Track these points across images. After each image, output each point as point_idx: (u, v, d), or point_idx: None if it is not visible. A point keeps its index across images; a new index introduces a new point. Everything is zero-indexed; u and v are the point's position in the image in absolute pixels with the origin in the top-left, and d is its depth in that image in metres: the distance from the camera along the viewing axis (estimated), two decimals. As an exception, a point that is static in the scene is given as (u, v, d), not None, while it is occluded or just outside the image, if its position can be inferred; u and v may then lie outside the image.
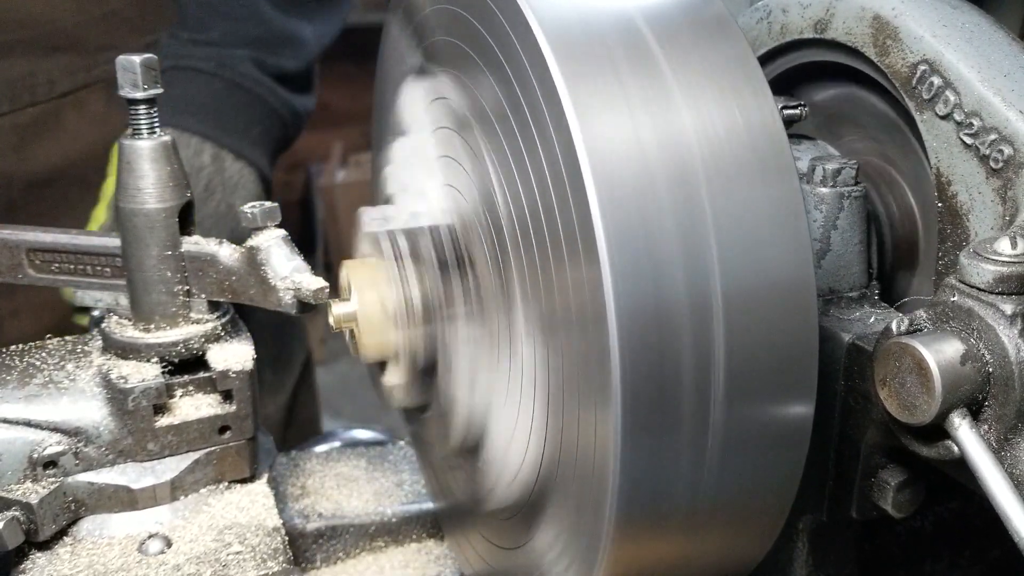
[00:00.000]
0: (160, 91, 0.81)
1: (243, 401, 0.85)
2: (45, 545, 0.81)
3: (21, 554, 0.80)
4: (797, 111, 0.81)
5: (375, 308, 0.78)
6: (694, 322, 0.58)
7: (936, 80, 0.73)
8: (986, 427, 0.62)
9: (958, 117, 0.72)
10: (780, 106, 0.78)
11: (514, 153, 0.66)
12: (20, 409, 0.82)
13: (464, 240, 0.76)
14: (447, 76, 0.77)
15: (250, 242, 0.82)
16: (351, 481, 1.03)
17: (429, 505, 1.02)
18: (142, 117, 0.81)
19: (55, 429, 0.81)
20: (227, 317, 0.87)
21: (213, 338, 0.85)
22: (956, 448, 0.62)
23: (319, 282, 0.79)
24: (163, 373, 0.83)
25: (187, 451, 0.84)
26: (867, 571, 0.86)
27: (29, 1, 1.35)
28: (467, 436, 0.78)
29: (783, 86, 0.91)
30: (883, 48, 0.77)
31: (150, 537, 0.82)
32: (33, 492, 0.80)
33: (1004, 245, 0.62)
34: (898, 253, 0.85)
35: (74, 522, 0.83)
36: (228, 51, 1.39)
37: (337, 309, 0.80)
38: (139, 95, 0.80)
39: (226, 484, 0.87)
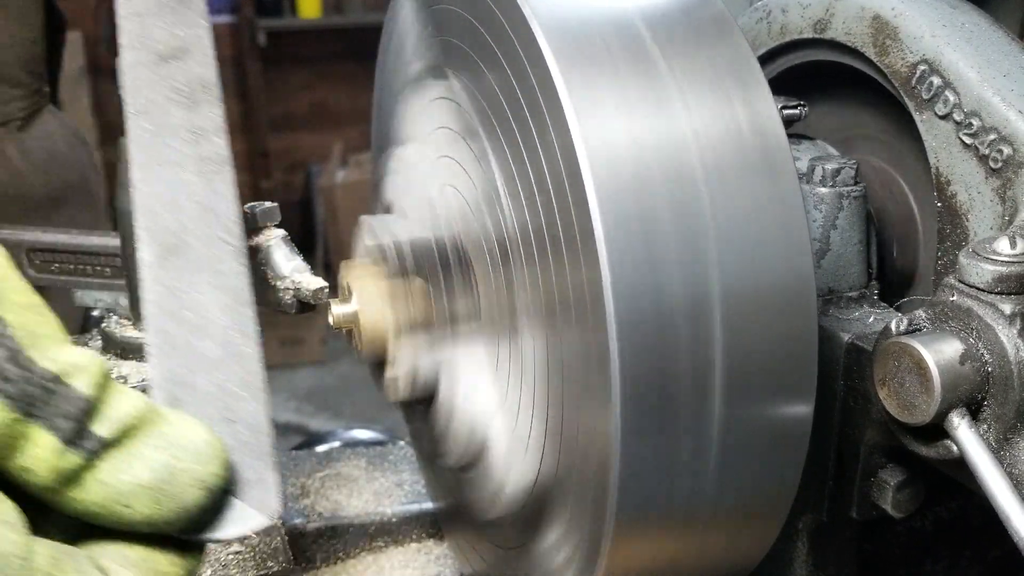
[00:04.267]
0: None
1: (243, 401, 0.84)
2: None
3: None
4: (797, 111, 0.81)
5: (375, 308, 0.78)
6: (694, 322, 0.58)
7: (935, 80, 0.73)
8: (985, 427, 0.62)
9: (957, 117, 0.72)
10: (780, 106, 0.78)
11: (514, 153, 0.66)
12: (20, 409, 0.82)
13: (464, 240, 0.76)
14: (448, 76, 0.77)
15: (250, 242, 0.82)
16: (351, 481, 1.03)
17: (429, 505, 1.02)
18: (142, 117, 0.81)
19: (55, 429, 0.81)
20: (227, 317, 0.87)
21: (213, 338, 0.85)
22: (955, 448, 0.62)
23: (319, 282, 0.79)
24: (163, 373, 0.83)
25: (187, 451, 0.84)
26: (867, 571, 0.86)
27: None
28: (469, 442, 0.78)
29: (783, 86, 0.91)
30: (883, 48, 0.77)
31: (150, 537, 0.82)
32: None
33: (1003, 245, 0.62)
34: (897, 253, 0.85)
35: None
36: None
37: (337, 309, 0.80)
38: (139, 95, 0.80)
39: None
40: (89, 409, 0.43)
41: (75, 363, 0.43)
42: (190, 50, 0.67)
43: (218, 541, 0.48)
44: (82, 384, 0.43)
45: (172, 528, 0.45)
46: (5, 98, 1.30)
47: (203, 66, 0.67)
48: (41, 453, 0.42)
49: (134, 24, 0.67)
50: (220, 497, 0.47)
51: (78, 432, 0.43)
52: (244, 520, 0.48)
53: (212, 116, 0.64)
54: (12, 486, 0.43)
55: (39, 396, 0.42)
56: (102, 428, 0.43)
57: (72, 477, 0.43)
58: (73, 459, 0.43)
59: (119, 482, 0.43)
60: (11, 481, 0.43)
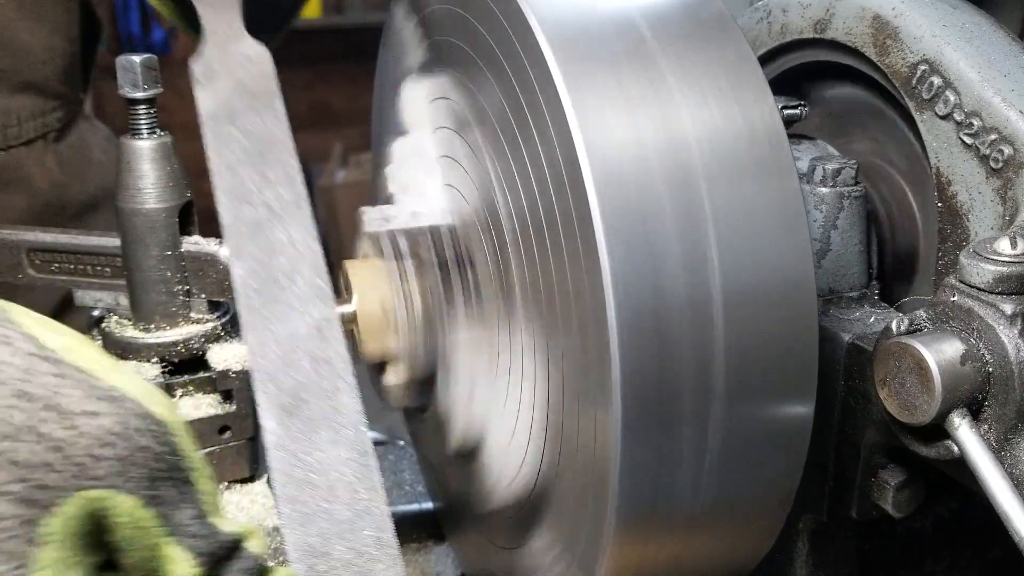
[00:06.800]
0: (160, 91, 0.81)
1: (243, 401, 0.84)
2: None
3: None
4: (797, 111, 0.81)
5: (375, 309, 0.78)
6: (694, 322, 0.58)
7: (936, 80, 0.73)
8: (986, 427, 0.62)
9: (958, 117, 0.72)
10: (780, 106, 0.78)
11: (514, 153, 0.66)
12: (20, 409, 0.81)
13: (464, 240, 0.76)
14: (447, 76, 0.77)
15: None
16: (351, 481, 1.03)
17: (429, 505, 1.02)
18: (142, 117, 0.81)
19: (55, 429, 0.81)
20: (227, 317, 0.87)
21: (213, 338, 0.85)
22: (956, 448, 0.62)
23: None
24: (163, 373, 0.83)
25: (187, 451, 0.84)
26: (867, 571, 0.86)
27: (27, 29, 1.21)
28: (466, 439, 0.78)
29: (783, 86, 0.91)
30: (883, 48, 0.77)
31: (150, 537, 0.82)
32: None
33: (1004, 245, 0.62)
34: (898, 253, 0.85)
35: (74, 522, 0.82)
36: None
37: (336, 309, 0.80)
38: (139, 95, 0.80)
39: (226, 484, 0.87)
40: (260, 568, 0.51)
41: (248, 528, 0.51)
42: (283, 195, 0.70)
43: None
44: (254, 546, 0.51)
45: None
46: (44, 110, 1.29)
47: (299, 207, 0.69)
48: None
49: (228, 178, 0.70)
50: None
51: None
52: None
53: (311, 255, 0.67)
54: None
55: (224, 556, 0.49)
56: None
57: None
58: None
59: None
60: None
